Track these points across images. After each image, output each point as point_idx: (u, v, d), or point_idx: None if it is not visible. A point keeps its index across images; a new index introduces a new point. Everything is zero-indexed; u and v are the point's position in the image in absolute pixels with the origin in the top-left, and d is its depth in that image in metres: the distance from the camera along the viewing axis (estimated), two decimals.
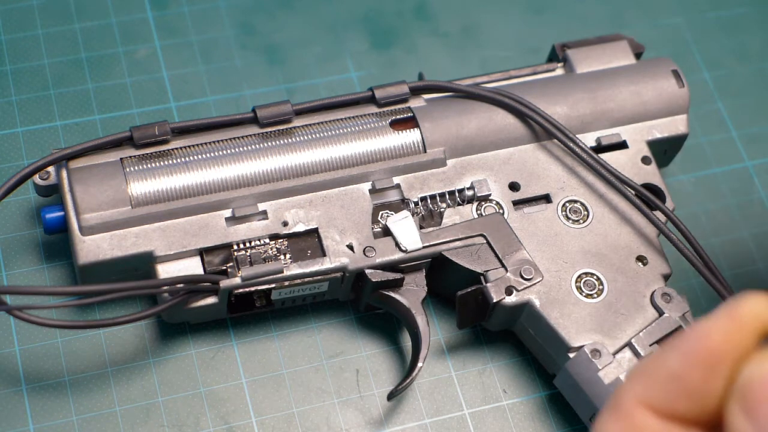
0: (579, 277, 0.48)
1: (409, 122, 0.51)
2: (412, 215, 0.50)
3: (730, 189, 0.57)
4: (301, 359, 0.51)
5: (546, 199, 0.51)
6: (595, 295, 0.48)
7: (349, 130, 0.51)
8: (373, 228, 0.49)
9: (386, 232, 0.49)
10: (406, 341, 0.51)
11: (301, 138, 0.50)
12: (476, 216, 0.50)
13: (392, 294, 0.49)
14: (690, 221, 0.50)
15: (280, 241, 0.49)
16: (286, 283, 0.48)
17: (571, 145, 0.51)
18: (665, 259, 0.50)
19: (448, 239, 0.49)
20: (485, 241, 0.49)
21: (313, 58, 0.59)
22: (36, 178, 0.49)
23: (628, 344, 0.46)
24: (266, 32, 0.60)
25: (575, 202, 0.51)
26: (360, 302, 0.51)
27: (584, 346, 0.46)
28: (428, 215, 0.50)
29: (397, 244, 0.49)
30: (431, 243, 0.49)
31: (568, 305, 0.48)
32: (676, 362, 0.31)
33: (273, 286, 0.48)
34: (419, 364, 0.48)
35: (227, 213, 0.49)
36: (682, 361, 0.31)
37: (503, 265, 0.49)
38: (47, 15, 0.58)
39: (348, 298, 0.51)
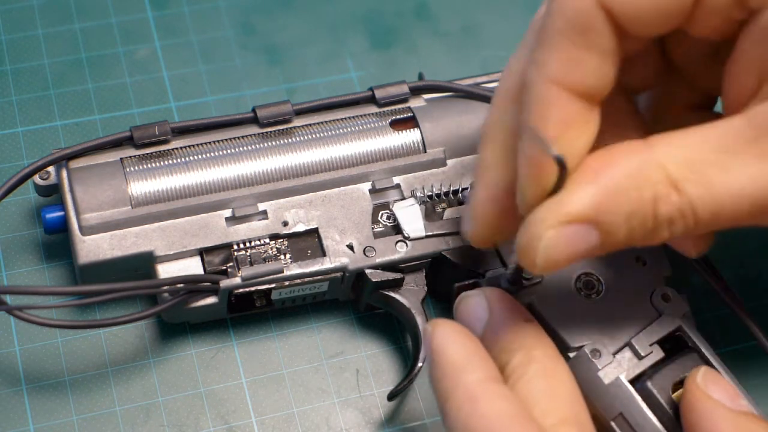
0: (579, 277, 0.48)
1: (409, 122, 0.51)
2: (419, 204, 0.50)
3: None
4: (301, 359, 0.51)
5: None
6: (595, 295, 0.48)
7: (349, 130, 0.51)
8: (373, 228, 0.49)
9: (392, 220, 0.49)
10: (406, 341, 0.51)
11: (301, 138, 0.50)
12: None
13: (392, 294, 0.49)
14: None
15: (280, 241, 0.49)
16: (286, 283, 0.48)
17: None
18: (665, 259, 0.50)
19: (452, 230, 0.49)
20: None
21: (313, 58, 0.59)
22: (36, 178, 0.49)
23: (628, 344, 0.46)
24: (266, 32, 0.60)
25: None
26: (360, 302, 0.51)
27: (584, 346, 0.46)
28: (430, 211, 0.50)
29: (401, 231, 0.49)
30: (434, 233, 0.49)
31: (568, 305, 0.48)
32: None
33: (273, 286, 0.48)
34: (419, 364, 0.48)
35: (227, 213, 0.49)
36: None
37: (504, 264, 0.49)
38: (47, 15, 0.58)
39: (348, 298, 0.51)
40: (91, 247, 0.47)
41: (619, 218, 0.38)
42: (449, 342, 0.41)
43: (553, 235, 0.38)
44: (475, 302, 0.43)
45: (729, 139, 0.38)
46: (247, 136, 0.50)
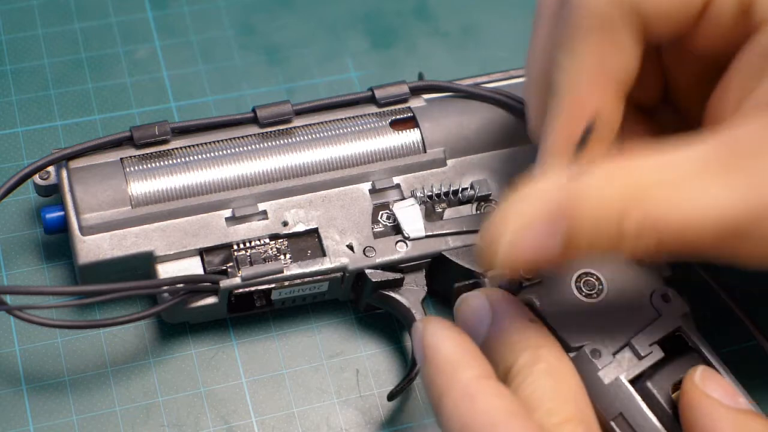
0: (579, 277, 0.48)
1: (409, 122, 0.51)
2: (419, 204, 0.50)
3: None
4: (301, 359, 0.51)
5: None
6: (595, 295, 0.48)
7: (349, 130, 0.51)
8: (373, 228, 0.49)
9: (392, 220, 0.49)
10: (406, 341, 0.51)
11: (301, 138, 0.50)
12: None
13: (392, 294, 0.49)
14: None
15: (280, 241, 0.49)
16: (286, 283, 0.48)
17: None
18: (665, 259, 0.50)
19: (452, 230, 0.49)
20: None
21: (313, 58, 0.59)
22: (36, 178, 0.49)
23: (628, 344, 0.46)
24: (266, 32, 0.60)
25: None
26: (360, 302, 0.51)
27: (584, 346, 0.46)
28: (430, 211, 0.50)
29: (401, 231, 0.49)
30: (434, 233, 0.49)
31: (568, 305, 0.48)
32: None
33: (273, 286, 0.48)
34: (419, 364, 0.48)
35: (227, 213, 0.49)
36: None
37: None
38: (47, 15, 0.58)
39: (348, 298, 0.51)
40: (91, 247, 0.47)
41: (585, 223, 0.39)
42: (442, 339, 0.41)
43: (519, 231, 0.39)
44: (477, 303, 0.43)
45: (699, 161, 0.39)
46: (247, 136, 0.50)
